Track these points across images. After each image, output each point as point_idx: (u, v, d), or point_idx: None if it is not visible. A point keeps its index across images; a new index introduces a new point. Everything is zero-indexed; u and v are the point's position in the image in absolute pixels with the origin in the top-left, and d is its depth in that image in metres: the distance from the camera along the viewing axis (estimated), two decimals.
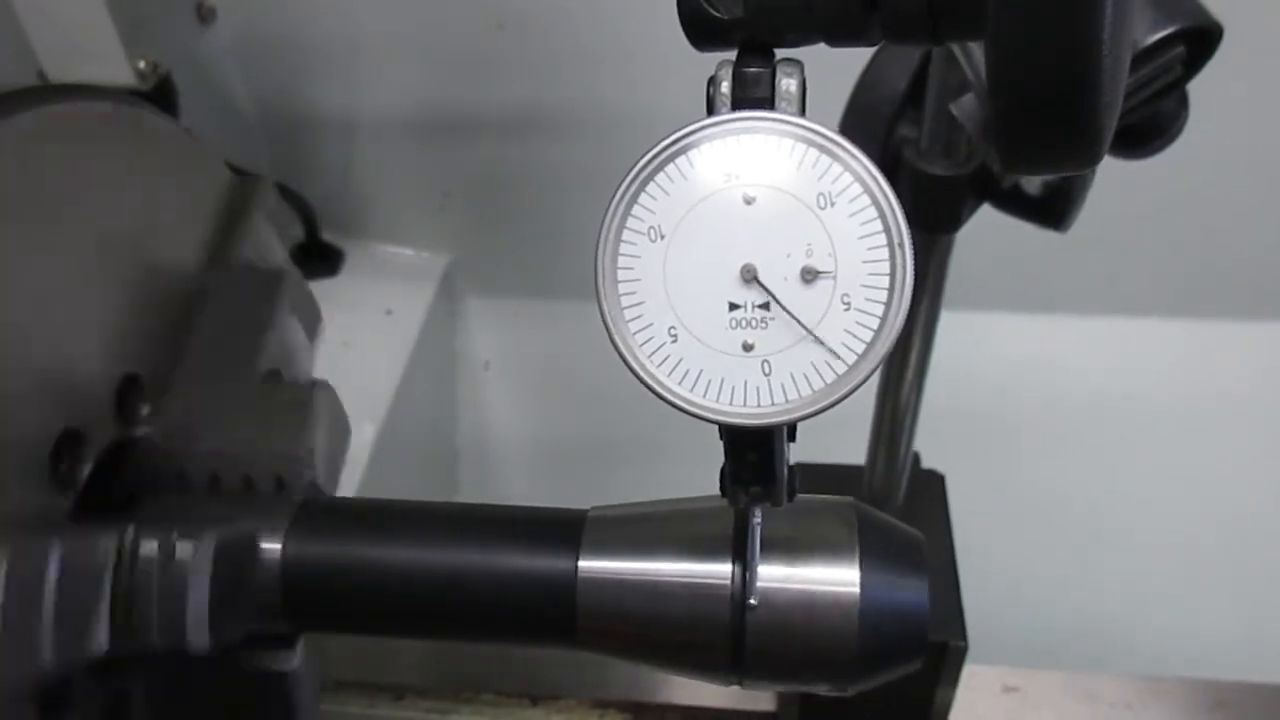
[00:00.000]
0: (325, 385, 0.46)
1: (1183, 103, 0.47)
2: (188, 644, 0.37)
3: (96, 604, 0.37)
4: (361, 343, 1.05)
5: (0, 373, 0.36)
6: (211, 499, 0.41)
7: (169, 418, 0.43)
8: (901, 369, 0.62)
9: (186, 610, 0.36)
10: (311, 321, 0.52)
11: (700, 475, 0.38)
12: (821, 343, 0.30)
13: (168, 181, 0.47)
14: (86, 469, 0.40)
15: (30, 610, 0.35)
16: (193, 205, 0.48)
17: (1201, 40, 0.42)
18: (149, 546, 0.37)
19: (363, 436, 0.97)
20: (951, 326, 0.63)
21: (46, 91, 0.41)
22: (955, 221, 0.53)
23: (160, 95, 0.83)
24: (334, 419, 0.46)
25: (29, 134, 0.38)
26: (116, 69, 0.81)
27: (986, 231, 0.55)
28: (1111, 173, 0.43)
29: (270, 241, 0.51)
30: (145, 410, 0.44)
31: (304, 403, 0.44)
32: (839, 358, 0.30)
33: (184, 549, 0.37)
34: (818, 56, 0.32)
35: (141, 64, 0.82)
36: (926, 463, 0.73)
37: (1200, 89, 0.45)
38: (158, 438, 0.43)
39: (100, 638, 0.37)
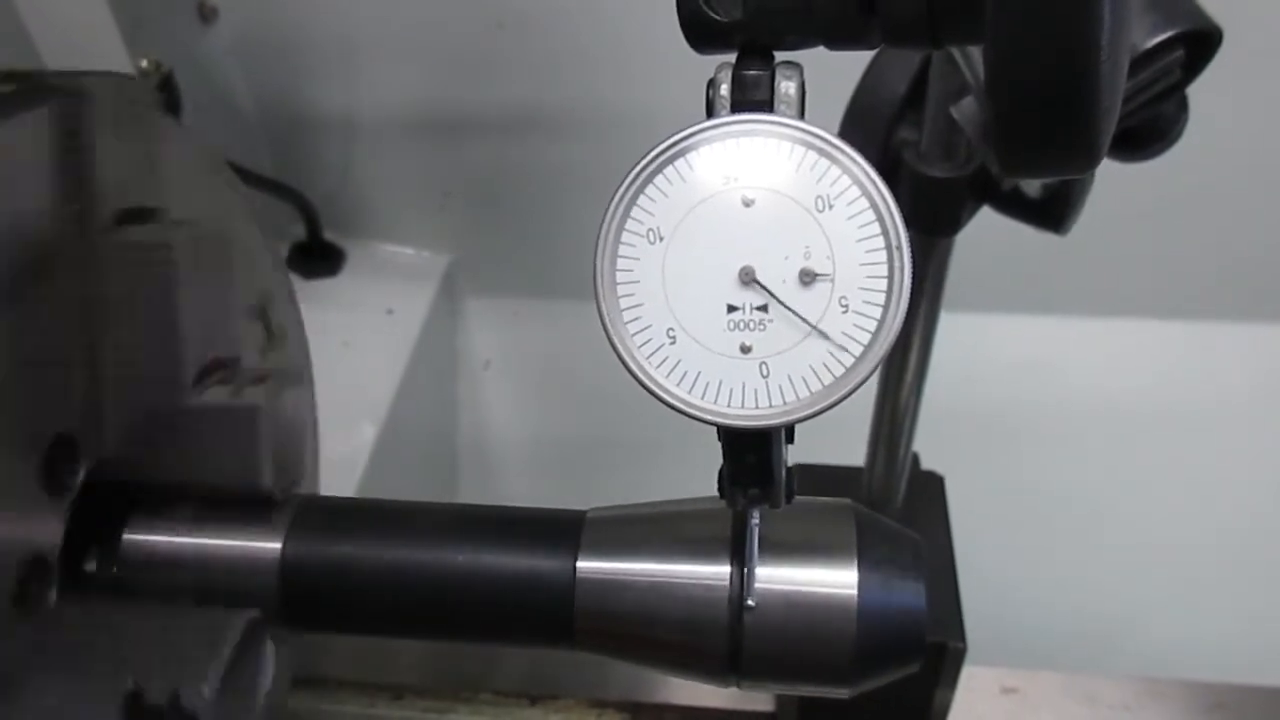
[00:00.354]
0: (268, 394, 0.42)
1: (1182, 106, 0.47)
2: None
3: None
4: (362, 342, 1.05)
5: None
6: (205, 504, 0.41)
7: (111, 460, 0.41)
8: (901, 370, 0.62)
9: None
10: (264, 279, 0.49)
11: (700, 475, 0.38)
12: (826, 336, 0.30)
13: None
14: (80, 476, 0.39)
15: None
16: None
17: (1201, 44, 0.42)
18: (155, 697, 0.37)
19: (363, 436, 0.97)
20: (951, 328, 0.63)
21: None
22: (955, 224, 0.53)
23: (162, 95, 0.83)
24: (290, 423, 0.43)
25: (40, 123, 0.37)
26: (118, 68, 0.81)
27: (986, 233, 0.55)
28: (1111, 174, 0.43)
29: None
30: (81, 465, 0.41)
31: (251, 432, 0.41)
32: (845, 350, 0.30)
33: (189, 698, 0.37)
34: (818, 59, 0.32)
35: (143, 63, 0.82)
36: (926, 464, 0.73)
37: (1200, 91, 0.45)
38: (109, 480, 0.41)
39: None
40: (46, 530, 0.37)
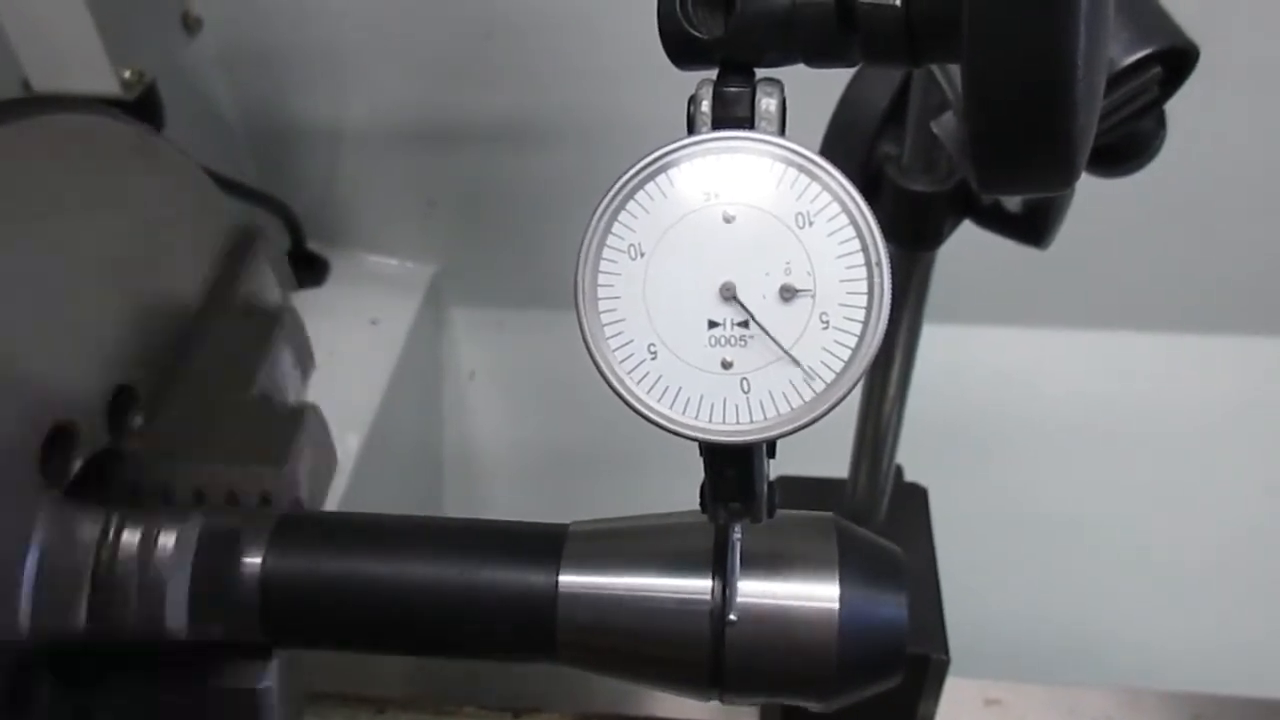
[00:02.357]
0: (314, 408, 0.46)
1: (1160, 122, 0.47)
2: (165, 628, 0.36)
3: (78, 581, 0.37)
4: (347, 352, 1.05)
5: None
6: (194, 512, 0.41)
7: (158, 432, 0.44)
8: (884, 383, 0.62)
9: (166, 594, 0.37)
10: (304, 359, 0.53)
11: (685, 486, 0.38)
12: (797, 363, 0.30)
13: (174, 212, 0.48)
14: (76, 466, 0.40)
15: (10, 575, 0.35)
16: (195, 240, 0.50)
17: (1178, 61, 0.42)
18: (133, 528, 0.37)
19: (347, 446, 0.97)
20: (934, 340, 0.64)
21: (76, 103, 0.42)
22: (936, 238, 0.53)
23: (145, 105, 0.83)
24: (320, 443, 0.46)
25: (40, 140, 0.39)
26: (101, 78, 0.80)
27: (969, 245, 0.55)
28: (1093, 187, 0.43)
29: (270, 284, 0.52)
30: (137, 422, 0.44)
31: (292, 422, 0.45)
32: (817, 376, 0.30)
33: (168, 533, 0.37)
34: (801, 73, 0.32)
35: (127, 73, 0.82)
36: (909, 476, 0.73)
37: (1181, 106, 0.45)
38: (146, 452, 0.43)
39: (78, 616, 0.37)
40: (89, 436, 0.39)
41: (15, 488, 0.36)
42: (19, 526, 0.36)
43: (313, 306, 1.12)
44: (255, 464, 0.42)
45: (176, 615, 0.37)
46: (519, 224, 1.10)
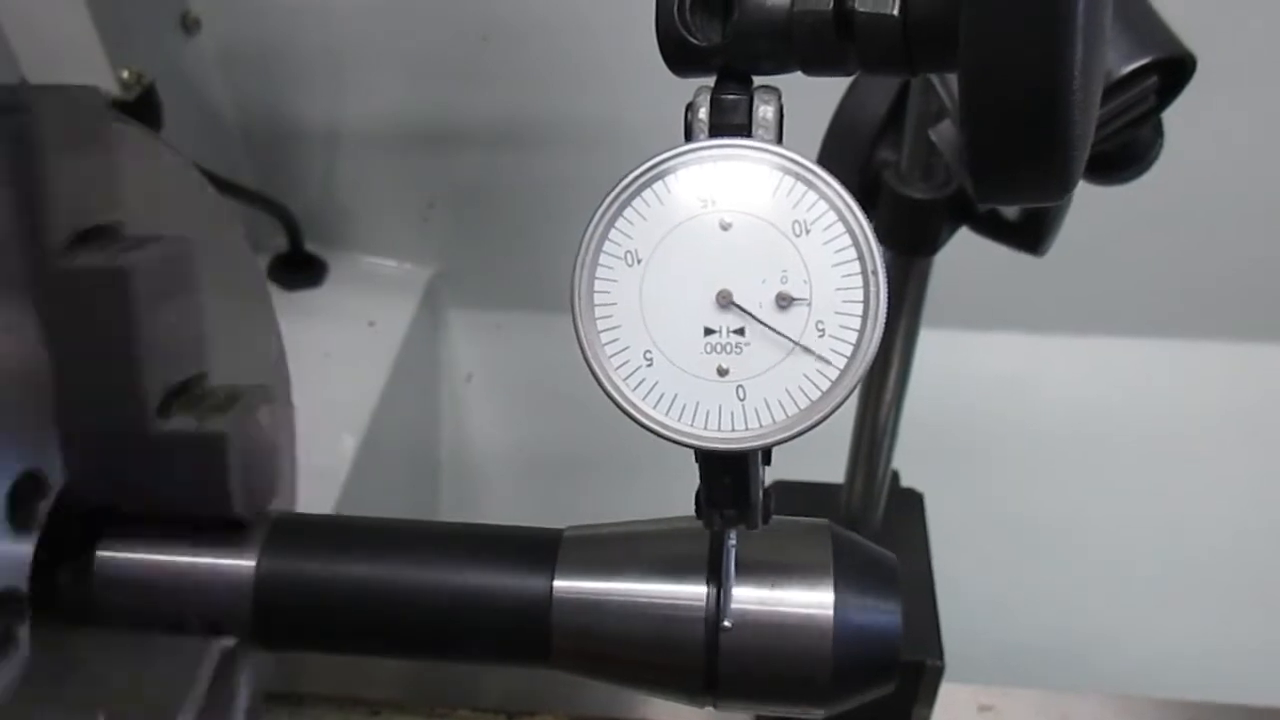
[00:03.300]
0: (238, 415, 0.41)
1: (1157, 131, 0.47)
2: None
3: None
4: (344, 354, 1.05)
5: None
6: (178, 522, 0.40)
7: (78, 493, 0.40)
8: (881, 388, 0.62)
9: None
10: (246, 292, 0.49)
11: (680, 490, 0.38)
12: (810, 350, 0.30)
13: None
14: (46, 507, 0.38)
15: None
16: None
17: (1175, 70, 0.43)
18: None
19: (344, 448, 0.97)
20: (931, 345, 0.64)
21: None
22: (934, 244, 0.53)
23: (144, 105, 0.83)
24: (262, 443, 0.42)
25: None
26: (100, 79, 0.80)
27: (966, 250, 0.55)
28: (1090, 194, 0.43)
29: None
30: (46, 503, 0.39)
31: (219, 448, 0.39)
32: (822, 373, 0.30)
33: None
34: (799, 80, 0.32)
35: (125, 74, 0.82)
36: (905, 481, 0.73)
37: (1177, 113, 0.45)
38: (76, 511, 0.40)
39: None
40: (15, 566, 0.36)
41: None
42: None
43: (310, 308, 1.13)
44: (205, 509, 0.39)
45: None
46: (516, 226, 1.10)
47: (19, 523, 0.37)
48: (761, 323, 0.30)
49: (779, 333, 0.30)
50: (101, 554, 0.40)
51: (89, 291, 0.37)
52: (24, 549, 0.37)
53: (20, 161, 0.36)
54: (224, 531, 0.40)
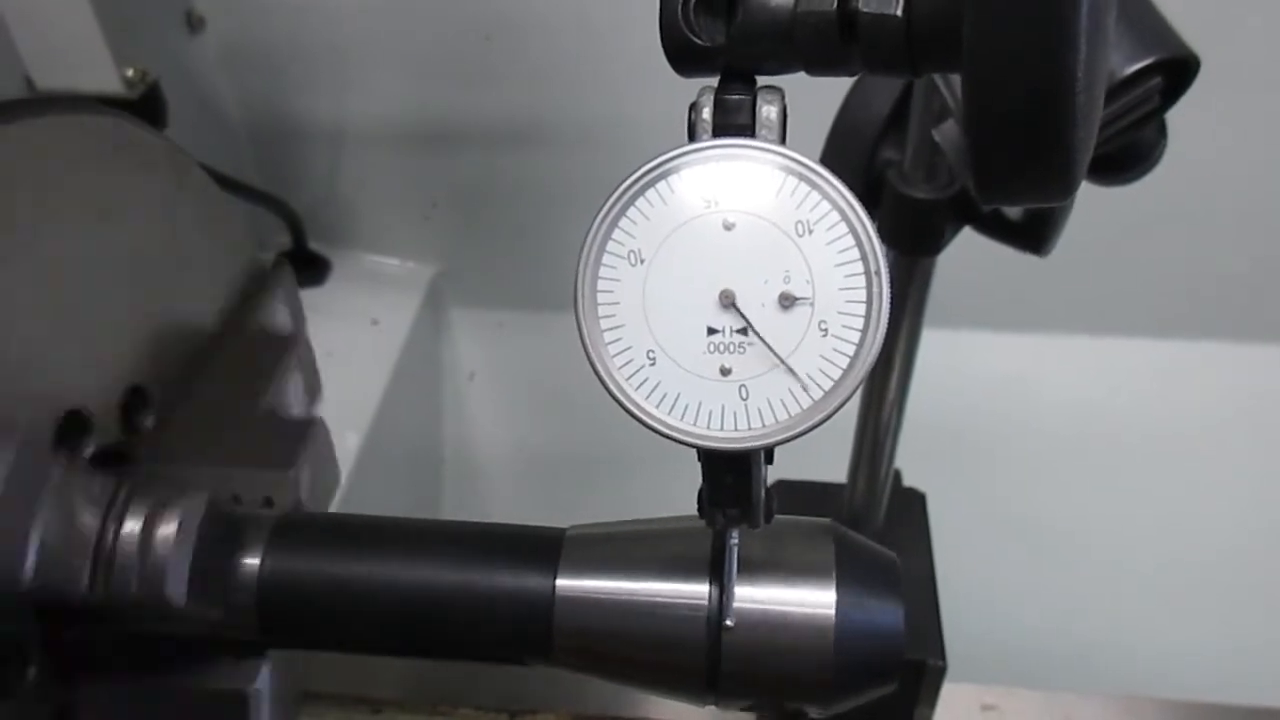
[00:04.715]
0: (321, 422, 0.47)
1: (1161, 131, 0.47)
2: (166, 596, 0.37)
3: (82, 547, 0.37)
4: (347, 352, 1.05)
5: (15, 343, 0.37)
6: (200, 492, 0.41)
7: (166, 437, 0.44)
8: (883, 388, 0.62)
9: (167, 566, 0.37)
10: (313, 386, 0.55)
11: (683, 488, 0.38)
12: (793, 373, 0.30)
13: (197, 228, 0.49)
14: (88, 451, 0.40)
15: (17, 536, 0.35)
16: (216, 258, 0.51)
17: (1179, 71, 0.43)
18: (141, 498, 0.38)
19: (347, 446, 0.97)
20: (934, 344, 0.64)
21: (106, 108, 0.43)
22: (936, 244, 0.53)
23: (148, 104, 0.83)
24: (324, 457, 0.47)
25: (73, 141, 0.40)
26: (105, 77, 0.81)
27: (969, 250, 0.55)
28: (1094, 194, 0.43)
29: (285, 313, 0.55)
30: (149, 423, 0.44)
31: (299, 432, 0.46)
32: (815, 384, 0.30)
33: (174, 508, 0.37)
34: (803, 79, 0.32)
35: (130, 72, 0.82)
36: (908, 481, 0.73)
37: (1181, 113, 0.45)
38: (153, 453, 0.43)
39: (81, 577, 0.37)
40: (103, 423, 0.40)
41: (27, 458, 0.36)
42: (27, 493, 0.36)
43: (313, 306, 1.12)
44: (259, 468, 0.43)
45: (176, 587, 0.37)
46: (519, 225, 1.10)
47: (61, 455, 0.38)
48: (757, 334, 0.30)
49: (770, 348, 0.30)
50: None
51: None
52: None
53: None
54: (226, 530, 0.40)
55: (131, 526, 0.37)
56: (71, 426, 0.39)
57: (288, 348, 0.52)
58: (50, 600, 0.37)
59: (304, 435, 0.45)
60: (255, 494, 0.43)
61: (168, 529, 0.37)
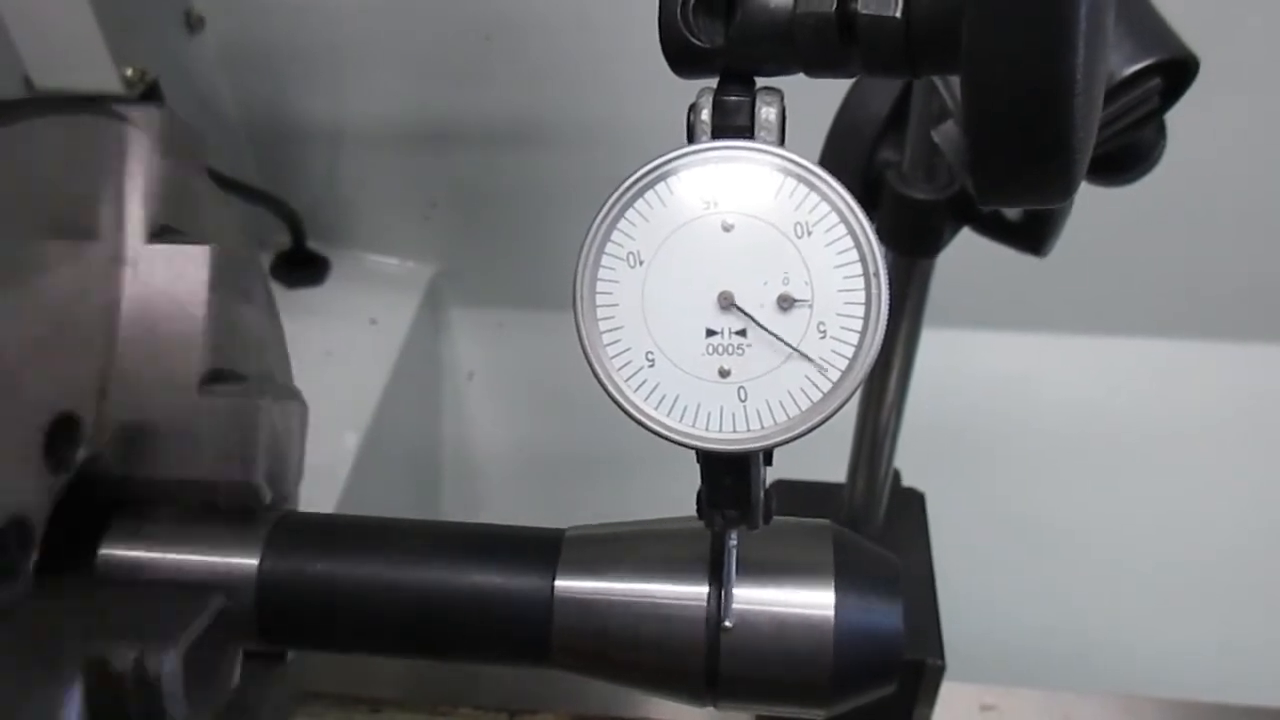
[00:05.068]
0: (267, 404, 0.43)
1: (1160, 131, 0.47)
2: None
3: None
4: (346, 352, 1.05)
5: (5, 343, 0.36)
6: (179, 525, 0.41)
7: (108, 452, 0.41)
8: (882, 388, 0.62)
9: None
10: (260, 301, 0.50)
11: (681, 490, 0.38)
12: (807, 357, 0.30)
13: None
14: (34, 550, 0.38)
15: None
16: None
17: (1178, 72, 0.43)
18: (120, 664, 0.36)
19: (346, 446, 0.97)
20: (933, 344, 0.64)
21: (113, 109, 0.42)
22: (936, 245, 0.53)
23: (147, 103, 0.83)
24: (289, 416, 0.45)
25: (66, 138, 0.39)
26: (104, 76, 0.81)
27: (968, 250, 0.55)
28: (1093, 194, 0.43)
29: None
30: (82, 449, 0.41)
31: (249, 418, 0.42)
32: (823, 375, 0.30)
33: (153, 662, 0.36)
34: (802, 80, 0.32)
35: (129, 71, 0.82)
36: (907, 481, 0.73)
37: (1180, 113, 0.45)
38: (103, 473, 0.41)
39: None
40: (37, 499, 0.38)
41: (22, 481, 0.36)
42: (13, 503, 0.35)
43: (312, 305, 1.13)
44: (220, 478, 0.41)
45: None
46: (519, 225, 1.10)
47: (51, 464, 0.38)
48: (762, 326, 0.30)
49: (779, 338, 0.30)
50: (104, 552, 0.40)
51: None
52: (51, 484, 0.39)
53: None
54: (227, 529, 0.40)
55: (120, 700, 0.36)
56: (60, 433, 0.38)
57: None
58: None
59: (253, 417, 0.42)
60: (227, 498, 0.41)
61: (154, 692, 0.36)
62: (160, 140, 0.43)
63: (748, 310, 0.30)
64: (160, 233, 0.42)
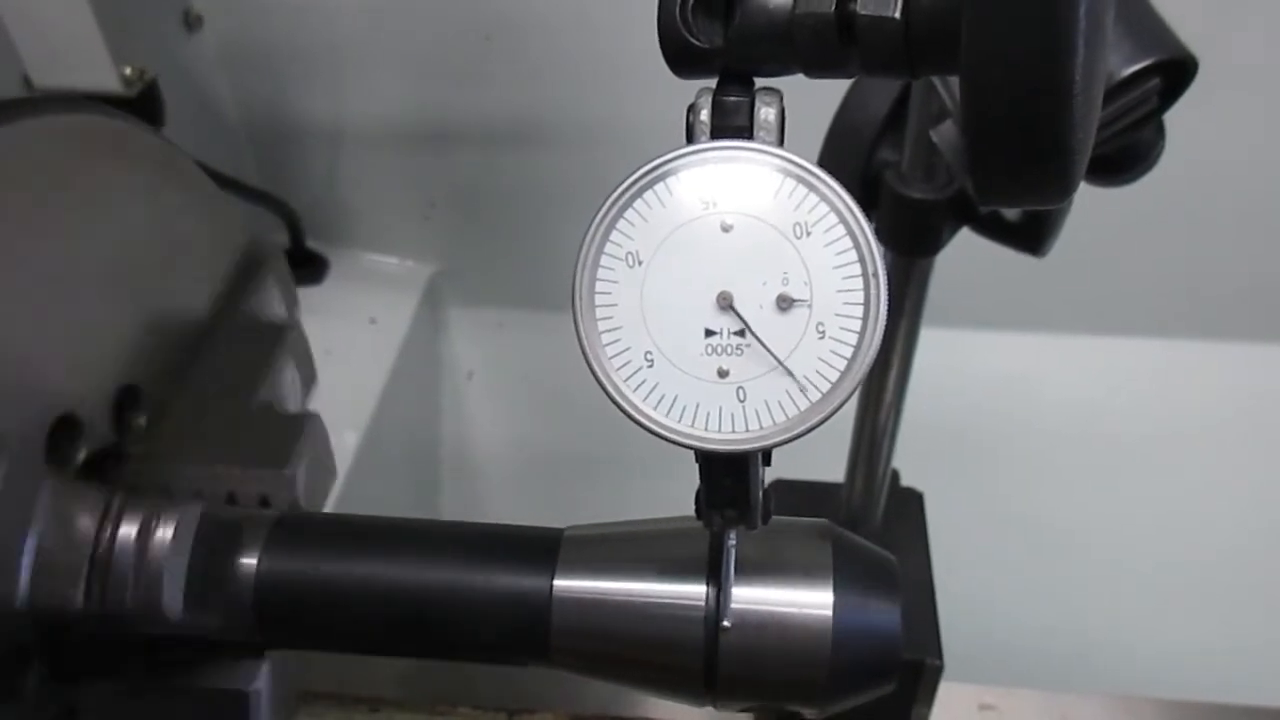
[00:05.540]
0: (316, 417, 0.47)
1: (1159, 132, 0.47)
2: (161, 610, 0.37)
3: (77, 560, 0.37)
4: (345, 351, 1.05)
5: (6, 345, 0.37)
6: (195, 501, 0.41)
7: (160, 434, 0.44)
8: (881, 388, 0.62)
9: (163, 577, 0.37)
10: (307, 374, 0.55)
11: (680, 490, 0.38)
12: (791, 375, 0.30)
13: (189, 224, 0.50)
14: (80, 456, 0.40)
15: (11, 551, 0.35)
16: (208, 252, 0.51)
17: (1177, 72, 0.43)
18: (134, 511, 0.38)
19: (345, 444, 0.97)
20: (932, 344, 0.64)
21: (100, 108, 0.43)
22: (935, 245, 0.53)
23: (146, 102, 0.83)
24: (320, 452, 0.47)
25: (61, 140, 0.40)
26: (103, 76, 0.81)
27: (967, 250, 0.55)
28: (1093, 194, 0.43)
29: (276, 300, 0.55)
30: (140, 422, 0.44)
31: (294, 428, 0.45)
32: (812, 386, 0.30)
33: (168, 518, 0.37)
34: (801, 80, 0.32)
35: (128, 71, 0.82)
36: (905, 480, 0.73)
37: (1179, 113, 0.45)
38: (147, 452, 0.43)
39: (76, 596, 0.37)
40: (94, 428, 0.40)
41: (20, 470, 0.36)
42: (21, 506, 0.36)
43: (311, 305, 1.11)
44: (255, 466, 0.43)
45: (172, 598, 0.37)
46: (519, 225, 1.10)
47: (55, 462, 0.39)
48: (755, 335, 0.30)
49: (769, 350, 0.30)
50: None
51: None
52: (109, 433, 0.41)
53: None
54: (221, 538, 0.40)
55: (126, 537, 0.37)
56: (63, 433, 0.39)
57: (282, 337, 0.52)
58: (47, 612, 0.37)
59: (299, 432, 0.45)
60: (251, 492, 0.43)
61: (162, 538, 0.37)
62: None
63: (746, 313, 0.30)
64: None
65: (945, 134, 0.44)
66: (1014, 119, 0.26)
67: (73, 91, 0.80)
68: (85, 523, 0.37)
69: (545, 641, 0.39)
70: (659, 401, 0.31)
